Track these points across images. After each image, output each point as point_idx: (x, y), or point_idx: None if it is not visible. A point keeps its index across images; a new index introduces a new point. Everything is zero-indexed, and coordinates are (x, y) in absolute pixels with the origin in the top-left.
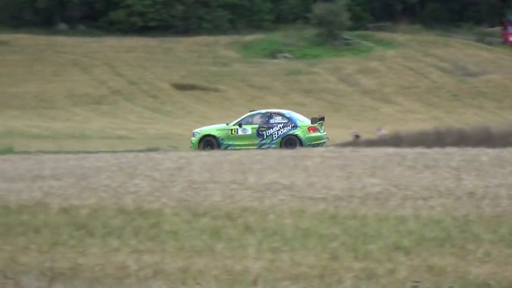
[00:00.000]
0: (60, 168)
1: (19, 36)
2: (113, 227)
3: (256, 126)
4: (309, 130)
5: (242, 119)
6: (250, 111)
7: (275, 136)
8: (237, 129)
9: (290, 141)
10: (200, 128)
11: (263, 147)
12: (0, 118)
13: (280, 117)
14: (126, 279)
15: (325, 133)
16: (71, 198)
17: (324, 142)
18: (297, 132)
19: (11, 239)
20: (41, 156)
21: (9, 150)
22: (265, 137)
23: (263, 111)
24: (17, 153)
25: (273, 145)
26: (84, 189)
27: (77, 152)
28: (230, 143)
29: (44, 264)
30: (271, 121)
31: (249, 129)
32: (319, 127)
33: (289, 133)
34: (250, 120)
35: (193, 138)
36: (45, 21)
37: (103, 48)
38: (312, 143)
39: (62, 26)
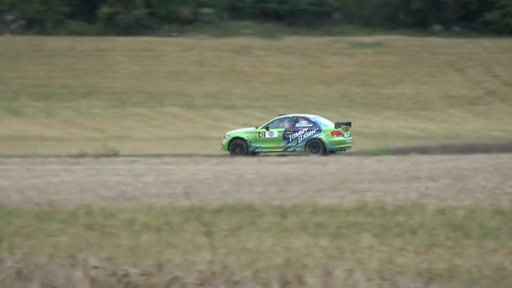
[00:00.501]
0: (436, 169)
1: (393, 37)
2: (490, 228)
3: (283, 129)
4: (333, 134)
5: (270, 123)
6: (279, 115)
7: (300, 140)
8: (264, 132)
9: (313, 145)
10: (231, 131)
11: (288, 150)
12: (376, 119)
13: (306, 121)
14: (503, 280)
15: (350, 137)
16: (447, 199)
17: (349, 147)
18: (321, 136)
19: (387, 240)
20: (417, 157)
21: (386, 151)
22: (290, 140)
23: (290, 115)
24: (393, 154)
25: (298, 148)
26: (460, 190)
27: (453, 153)
28: (257, 145)
29: (421, 265)
30: (297, 125)
31: (275, 132)
32: (343, 132)
33: (313, 136)
34: (278, 124)
35: (223, 141)
36: (420, 22)
37: (477, 49)
38: (335, 147)
39: (437, 27)
